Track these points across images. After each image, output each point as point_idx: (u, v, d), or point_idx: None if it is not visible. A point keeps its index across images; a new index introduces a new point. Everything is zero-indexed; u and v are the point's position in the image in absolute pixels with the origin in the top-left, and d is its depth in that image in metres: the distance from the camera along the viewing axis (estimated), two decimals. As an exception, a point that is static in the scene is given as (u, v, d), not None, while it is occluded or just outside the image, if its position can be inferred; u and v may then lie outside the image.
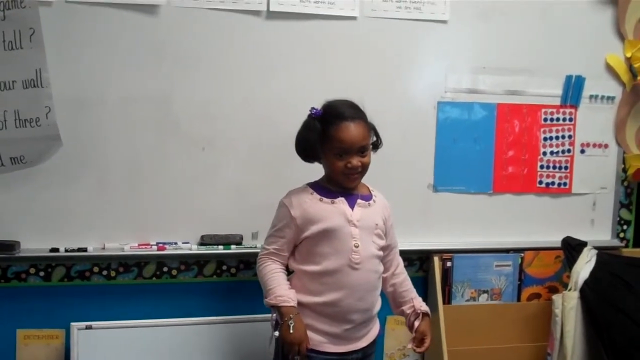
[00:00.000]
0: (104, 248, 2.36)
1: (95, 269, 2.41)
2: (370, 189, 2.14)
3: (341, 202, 2.02)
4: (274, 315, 1.99)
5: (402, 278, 2.20)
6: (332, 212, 2.00)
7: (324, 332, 2.00)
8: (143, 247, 2.38)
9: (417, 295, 2.20)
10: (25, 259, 2.32)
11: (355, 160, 1.97)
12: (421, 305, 2.16)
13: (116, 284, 2.43)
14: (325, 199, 2.02)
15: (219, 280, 2.52)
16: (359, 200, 2.04)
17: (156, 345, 2.39)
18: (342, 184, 2.03)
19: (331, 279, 1.98)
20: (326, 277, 1.98)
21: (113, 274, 2.42)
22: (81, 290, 2.40)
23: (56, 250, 2.31)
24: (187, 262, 2.48)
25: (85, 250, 2.33)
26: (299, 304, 1.98)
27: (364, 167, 2.01)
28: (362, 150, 1.98)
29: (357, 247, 1.98)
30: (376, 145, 2.11)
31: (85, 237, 2.34)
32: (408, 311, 2.16)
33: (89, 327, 2.33)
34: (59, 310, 2.38)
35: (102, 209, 2.35)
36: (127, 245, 2.37)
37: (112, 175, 2.35)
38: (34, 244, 2.30)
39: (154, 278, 2.46)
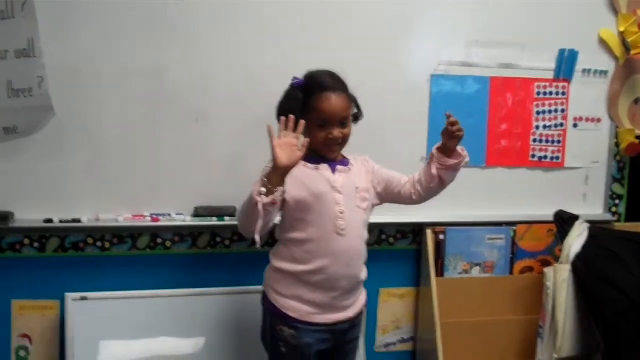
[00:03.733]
0: (98, 219, 2.37)
1: (90, 240, 2.42)
2: (343, 155, 2.11)
3: (324, 169, 2.00)
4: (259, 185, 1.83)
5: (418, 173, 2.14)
6: (316, 177, 1.98)
7: (312, 302, 1.98)
8: (137, 218, 2.39)
9: None
10: (20, 229, 2.34)
11: (336, 132, 1.96)
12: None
13: (110, 255, 2.45)
14: (309, 165, 2.00)
15: (213, 252, 2.54)
16: (338, 167, 2.03)
17: (150, 316, 2.40)
18: (322, 154, 2.02)
19: (317, 246, 1.95)
20: (311, 244, 1.96)
21: (107, 245, 2.44)
22: (76, 261, 2.42)
23: (50, 221, 2.32)
24: (181, 233, 2.49)
25: (79, 221, 2.34)
26: (286, 271, 1.99)
27: (345, 139, 2.00)
28: (343, 122, 1.98)
29: (342, 213, 1.97)
30: (357, 117, 2.10)
31: (80, 208, 2.35)
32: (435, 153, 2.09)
33: (83, 298, 2.35)
34: (53, 281, 2.40)
35: (96, 180, 2.36)
36: (121, 216, 2.38)
37: (107, 146, 2.35)
38: (28, 215, 2.31)
39: (148, 249, 2.47)
